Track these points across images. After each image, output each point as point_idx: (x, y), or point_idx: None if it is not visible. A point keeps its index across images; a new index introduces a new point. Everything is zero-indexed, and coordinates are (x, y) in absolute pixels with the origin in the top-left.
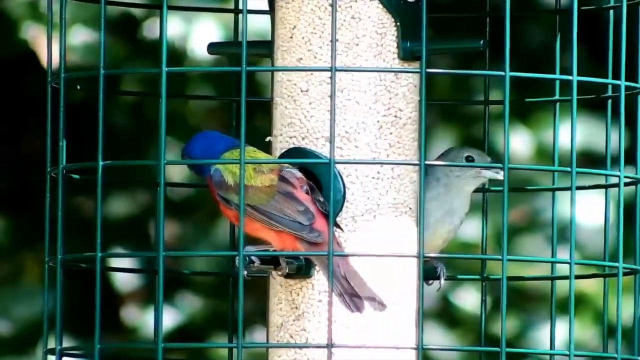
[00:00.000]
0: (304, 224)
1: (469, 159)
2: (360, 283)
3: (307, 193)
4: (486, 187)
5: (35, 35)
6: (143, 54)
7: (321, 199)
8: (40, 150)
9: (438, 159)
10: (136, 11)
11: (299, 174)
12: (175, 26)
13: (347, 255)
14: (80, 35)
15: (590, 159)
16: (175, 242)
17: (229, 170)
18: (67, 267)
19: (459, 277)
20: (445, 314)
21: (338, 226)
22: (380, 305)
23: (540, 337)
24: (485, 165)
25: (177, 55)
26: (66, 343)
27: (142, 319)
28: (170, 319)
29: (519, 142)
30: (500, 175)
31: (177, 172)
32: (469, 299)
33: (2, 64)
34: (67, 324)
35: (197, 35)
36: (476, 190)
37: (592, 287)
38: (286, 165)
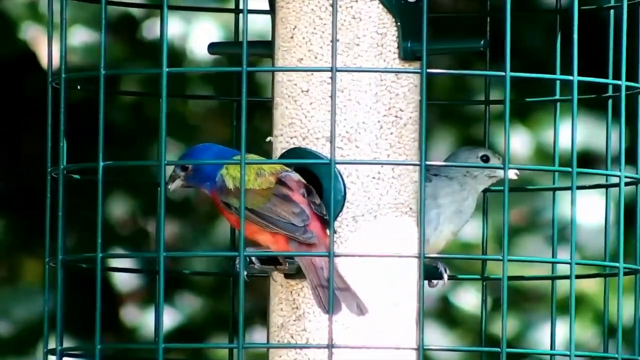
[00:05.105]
0: (298, 226)
1: (484, 158)
2: (342, 286)
3: (303, 196)
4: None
5: (35, 36)
6: (143, 54)
7: (317, 202)
8: (40, 151)
9: (449, 158)
10: (136, 12)
11: (297, 177)
12: (175, 26)
13: (347, 256)
14: (80, 36)
15: (591, 159)
16: (174, 242)
17: (230, 175)
18: (67, 268)
19: (460, 277)
20: (445, 314)
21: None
22: (358, 309)
23: (541, 337)
24: (486, 166)
25: (177, 55)
26: (67, 343)
27: (141, 319)
28: (170, 319)
29: (519, 142)
30: (513, 175)
31: None
32: (469, 299)
33: (1, 65)
34: (67, 324)
35: (197, 35)
36: None
37: (592, 287)
38: (286, 168)
